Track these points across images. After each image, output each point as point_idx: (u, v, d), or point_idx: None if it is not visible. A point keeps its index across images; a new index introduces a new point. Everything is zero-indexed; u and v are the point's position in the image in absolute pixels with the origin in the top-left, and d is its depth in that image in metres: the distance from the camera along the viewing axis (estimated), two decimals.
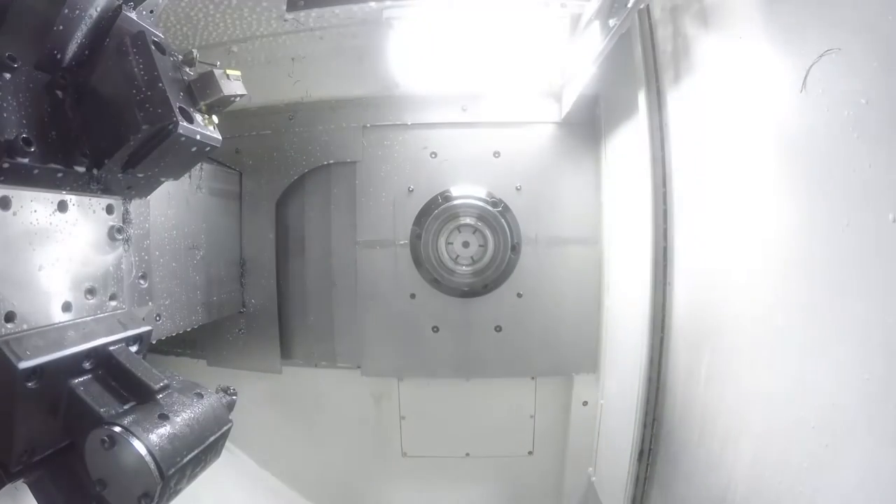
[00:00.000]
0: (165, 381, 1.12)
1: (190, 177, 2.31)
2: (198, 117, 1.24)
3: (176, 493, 1.04)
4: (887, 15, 0.94)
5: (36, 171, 1.09)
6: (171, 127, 1.15)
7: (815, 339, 1.18)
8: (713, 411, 1.64)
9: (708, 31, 1.64)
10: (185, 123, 1.18)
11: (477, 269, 2.74)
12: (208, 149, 1.30)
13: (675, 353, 1.95)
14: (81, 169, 1.20)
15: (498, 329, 2.78)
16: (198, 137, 1.22)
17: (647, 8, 2.01)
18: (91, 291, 1.28)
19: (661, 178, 2.00)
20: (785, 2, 1.25)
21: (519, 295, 2.77)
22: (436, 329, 2.79)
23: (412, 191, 2.78)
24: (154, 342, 1.52)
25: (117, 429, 0.96)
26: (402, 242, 2.78)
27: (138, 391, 1.09)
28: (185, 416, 1.07)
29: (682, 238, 1.90)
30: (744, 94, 1.45)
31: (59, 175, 1.15)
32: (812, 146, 1.17)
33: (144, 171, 1.29)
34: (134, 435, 0.95)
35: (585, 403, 2.79)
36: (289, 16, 2.52)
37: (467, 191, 2.76)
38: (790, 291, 1.28)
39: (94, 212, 1.30)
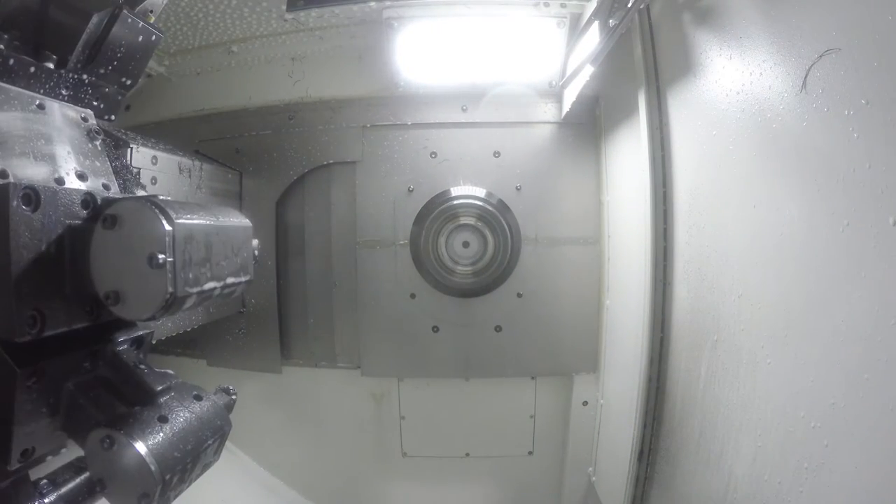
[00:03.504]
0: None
1: (190, 177, 2.31)
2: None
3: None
4: (887, 15, 0.95)
5: (11, 62, 1.13)
6: (116, 11, 1.27)
7: (815, 339, 1.18)
8: (713, 411, 1.65)
9: (708, 31, 1.64)
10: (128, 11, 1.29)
11: (477, 269, 2.74)
12: (154, 38, 1.41)
13: (675, 353, 1.95)
14: (50, 65, 1.25)
15: (498, 329, 2.78)
16: (140, 25, 1.35)
17: (647, 8, 2.01)
18: None
19: (661, 178, 2.00)
20: (785, 2, 1.26)
21: (519, 295, 2.77)
22: (436, 329, 2.79)
23: (412, 191, 2.78)
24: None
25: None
26: (402, 242, 2.78)
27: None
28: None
29: (682, 238, 1.90)
30: (744, 94, 1.45)
31: (32, 70, 1.19)
32: (812, 146, 1.18)
33: (105, 67, 1.36)
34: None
35: (585, 403, 2.79)
36: (289, 16, 2.52)
37: (467, 191, 2.76)
38: (790, 291, 1.28)
39: None
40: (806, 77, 1.16)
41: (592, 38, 2.06)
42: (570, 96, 2.52)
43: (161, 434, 1.00)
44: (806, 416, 1.19)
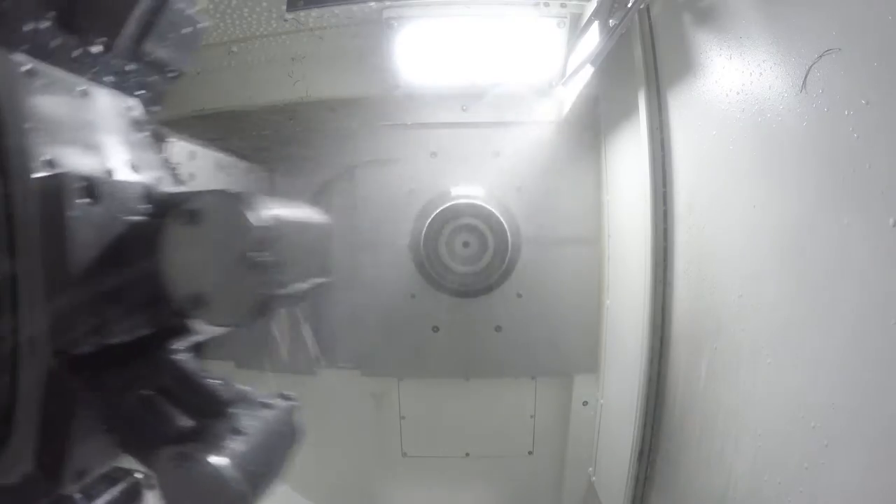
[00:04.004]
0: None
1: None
2: None
3: None
4: (887, 15, 0.94)
5: (55, 43, 1.00)
6: None
7: (815, 339, 1.18)
8: (713, 411, 1.64)
9: (708, 31, 1.64)
10: None
11: (477, 269, 2.74)
12: (200, 26, 1.30)
13: (675, 353, 1.95)
14: (96, 49, 1.11)
15: (498, 329, 2.78)
16: (187, 13, 1.23)
17: (647, 8, 2.01)
18: None
19: (661, 178, 2.00)
20: (785, 2, 1.26)
21: (519, 295, 2.77)
22: (436, 329, 2.79)
23: (412, 191, 2.78)
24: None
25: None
26: (402, 242, 2.78)
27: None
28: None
29: (682, 238, 1.90)
30: (743, 94, 1.45)
31: (77, 53, 1.07)
32: (812, 146, 1.18)
33: (153, 53, 1.22)
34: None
35: (585, 403, 2.79)
36: (289, 16, 2.52)
37: (467, 191, 2.76)
38: (790, 291, 1.28)
39: None
40: (806, 77, 1.16)
41: (592, 39, 2.06)
42: (570, 96, 2.52)
43: (238, 448, 0.90)
44: (806, 416, 1.19)
